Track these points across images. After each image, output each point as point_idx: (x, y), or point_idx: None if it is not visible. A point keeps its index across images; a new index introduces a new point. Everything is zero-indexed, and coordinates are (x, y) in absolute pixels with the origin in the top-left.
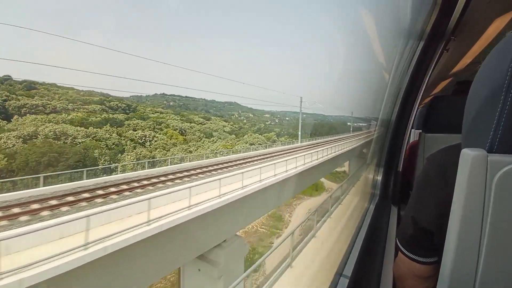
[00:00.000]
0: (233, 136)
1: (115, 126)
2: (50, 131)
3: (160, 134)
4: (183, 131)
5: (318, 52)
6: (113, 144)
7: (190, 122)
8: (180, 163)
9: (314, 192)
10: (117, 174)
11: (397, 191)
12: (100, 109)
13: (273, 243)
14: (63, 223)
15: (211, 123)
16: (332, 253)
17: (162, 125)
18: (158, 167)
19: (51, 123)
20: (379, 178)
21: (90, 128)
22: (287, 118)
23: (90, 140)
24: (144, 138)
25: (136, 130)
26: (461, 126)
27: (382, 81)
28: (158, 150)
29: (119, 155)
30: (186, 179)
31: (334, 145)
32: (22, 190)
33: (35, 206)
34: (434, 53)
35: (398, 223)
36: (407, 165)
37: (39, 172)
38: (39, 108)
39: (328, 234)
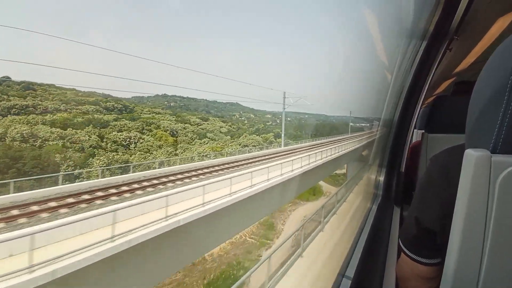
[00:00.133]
0: (228, 137)
1: (98, 127)
2: (18, 133)
3: (148, 135)
4: (175, 132)
5: (320, 52)
6: (90, 146)
7: (185, 123)
8: (159, 167)
9: (311, 197)
10: (71, 183)
11: (399, 192)
12: (94, 110)
13: (261, 256)
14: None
15: (208, 123)
16: (334, 254)
17: (152, 126)
18: (131, 172)
19: (21, 125)
20: (382, 178)
21: (68, 129)
22: (288, 119)
23: (62, 142)
24: (128, 139)
25: (122, 131)
26: (464, 126)
27: (385, 81)
28: (140, 153)
29: (90, 159)
30: (160, 186)
31: (329, 147)
32: None
33: None
34: (437, 53)
35: (400, 223)
36: (410, 165)
37: None
38: (29, 108)
39: (331, 235)
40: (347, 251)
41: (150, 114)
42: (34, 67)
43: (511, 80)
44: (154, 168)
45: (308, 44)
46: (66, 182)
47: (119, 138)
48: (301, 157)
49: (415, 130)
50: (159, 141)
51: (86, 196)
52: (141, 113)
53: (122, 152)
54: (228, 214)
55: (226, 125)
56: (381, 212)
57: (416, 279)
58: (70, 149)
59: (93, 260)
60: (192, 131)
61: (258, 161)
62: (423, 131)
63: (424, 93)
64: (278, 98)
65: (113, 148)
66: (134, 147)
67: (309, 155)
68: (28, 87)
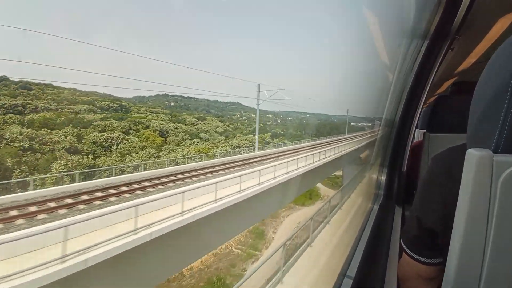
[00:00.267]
0: (222, 137)
1: (78, 128)
2: None
3: (134, 136)
4: (165, 133)
5: (322, 52)
6: (63, 148)
7: (179, 123)
8: (133, 172)
9: (307, 201)
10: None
11: (401, 191)
12: (87, 109)
13: (246, 271)
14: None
15: (204, 123)
16: (336, 254)
17: (140, 125)
18: (95, 178)
19: None
20: (383, 178)
21: (43, 130)
22: (289, 118)
23: (30, 144)
24: (110, 140)
25: (105, 132)
26: (466, 126)
27: (386, 80)
28: (117, 155)
29: (54, 162)
30: (126, 195)
31: (322, 150)
32: None
33: None
34: (438, 53)
35: (402, 223)
36: (411, 165)
37: None
38: (17, 108)
39: (332, 235)
40: (349, 251)
41: (144, 113)
42: (36, 67)
43: None
44: (129, 172)
45: (310, 44)
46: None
47: (100, 139)
48: (281, 163)
49: (416, 129)
50: (146, 142)
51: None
52: (137, 113)
53: (101, 154)
54: (211, 223)
55: (223, 124)
56: (382, 212)
57: (418, 279)
58: (38, 152)
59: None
60: (185, 131)
61: (248, 163)
62: (425, 130)
63: (426, 93)
64: (282, 98)
65: (90, 150)
66: (116, 149)
67: (296, 159)
68: (24, 87)
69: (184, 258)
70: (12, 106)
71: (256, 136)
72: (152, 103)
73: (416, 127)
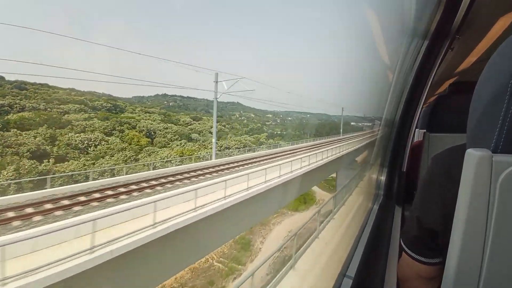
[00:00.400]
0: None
1: (54, 128)
2: None
3: (117, 136)
4: (153, 133)
5: (322, 51)
6: (28, 151)
7: (170, 123)
8: (98, 178)
9: (301, 206)
10: None
11: (401, 191)
12: (78, 109)
13: None
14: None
15: (199, 123)
16: (336, 254)
17: (125, 126)
18: (48, 187)
19: None
20: (383, 178)
21: (13, 131)
22: (289, 118)
23: None
24: (87, 142)
25: (83, 132)
26: (466, 125)
27: (386, 80)
28: (86, 159)
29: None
30: (76, 208)
31: (316, 152)
32: None
33: None
34: (438, 52)
35: (402, 223)
36: (411, 165)
37: None
38: (4, 108)
39: (332, 235)
40: (348, 251)
41: (137, 113)
42: (34, 66)
43: None
44: (94, 179)
45: (310, 44)
46: None
47: (75, 140)
48: (273, 166)
49: (416, 129)
50: (129, 143)
51: None
52: (131, 113)
53: (74, 157)
54: (189, 235)
55: (219, 124)
56: (382, 212)
57: (417, 279)
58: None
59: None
60: (175, 132)
61: (237, 166)
62: (425, 130)
63: (426, 93)
64: (282, 97)
65: (62, 152)
66: (93, 151)
67: (291, 161)
68: (20, 87)
69: (155, 275)
70: None
71: (214, 140)
72: (151, 103)
73: (416, 127)
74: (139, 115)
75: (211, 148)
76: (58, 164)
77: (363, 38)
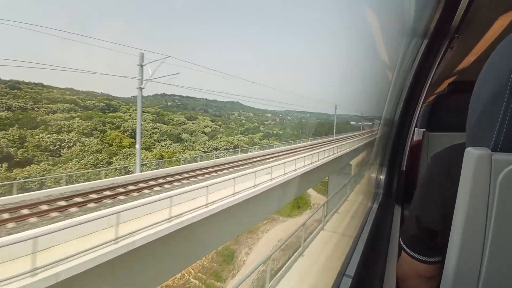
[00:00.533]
0: (205, 138)
1: (25, 128)
2: None
3: (96, 137)
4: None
5: (321, 50)
6: None
7: (163, 123)
8: (52, 186)
9: (295, 211)
10: None
11: (400, 191)
12: (67, 109)
13: None
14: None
15: (193, 123)
16: (335, 253)
17: (108, 126)
18: None
19: None
20: (383, 177)
21: None
22: (289, 118)
23: None
24: (59, 143)
25: (59, 133)
26: (465, 124)
27: (386, 79)
28: (47, 163)
29: None
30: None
31: (312, 153)
32: None
33: None
34: (438, 51)
35: (401, 222)
36: (411, 164)
37: None
38: None
39: (331, 234)
40: (348, 250)
41: (129, 113)
42: (30, 65)
43: (511, 78)
44: (48, 186)
45: (309, 43)
46: None
47: (45, 142)
48: (264, 168)
49: (416, 128)
50: (110, 144)
51: None
52: (125, 112)
53: (41, 160)
54: (162, 248)
55: (215, 124)
56: (382, 211)
57: (417, 278)
58: None
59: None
60: (164, 132)
61: (225, 169)
62: (424, 129)
63: (425, 92)
64: (282, 97)
65: (28, 155)
66: (66, 153)
67: (284, 163)
68: (14, 86)
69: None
70: None
71: (138, 146)
72: (149, 102)
73: (416, 126)
74: (130, 115)
75: (198, 150)
76: (16, 169)
77: (363, 38)
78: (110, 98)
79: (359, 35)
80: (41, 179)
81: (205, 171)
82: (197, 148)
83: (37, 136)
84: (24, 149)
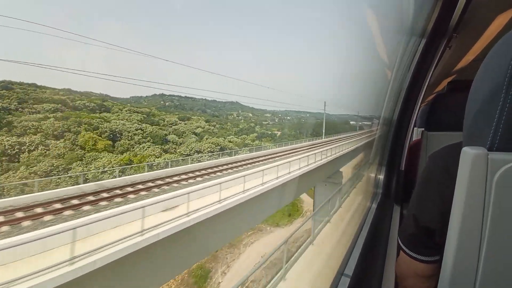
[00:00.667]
0: (193, 140)
1: None
2: None
3: (67, 139)
4: (118, 135)
5: (320, 50)
6: None
7: (150, 123)
8: None
9: (284, 220)
10: None
11: (399, 190)
12: (53, 109)
13: None
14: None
15: (185, 123)
16: (334, 252)
17: (83, 126)
18: None
19: None
20: (381, 177)
21: None
22: (288, 117)
23: None
24: (18, 147)
25: (20, 136)
26: (463, 124)
27: (384, 79)
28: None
29: None
30: None
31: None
32: None
33: None
34: (436, 51)
35: (400, 222)
36: (410, 163)
37: None
38: None
39: (330, 234)
40: (346, 249)
41: (121, 113)
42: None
43: (507, 78)
44: None
45: (310, 43)
46: None
47: (3, 145)
48: (254, 172)
49: (414, 128)
50: (82, 147)
51: None
52: (119, 113)
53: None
54: (127, 267)
55: (208, 124)
56: (381, 210)
57: (415, 277)
58: None
59: None
60: (149, 133)
61: (209, 174)
62: (423, 129)
63: (424, 91)
64: (281, 97)
65: None
66: (27, 157)
67: (277, 166)
68: (6, 87)
69: None
70: None
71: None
72: (147, 103)
73: (414, 126)
74: (118, 115)
75: (178, 153)
76: None
77: (362, 37)
78: (105, 99)
79: (358, 34)
80: None
81: (183, 177)
82: (178, 151)
83: None
84: None
